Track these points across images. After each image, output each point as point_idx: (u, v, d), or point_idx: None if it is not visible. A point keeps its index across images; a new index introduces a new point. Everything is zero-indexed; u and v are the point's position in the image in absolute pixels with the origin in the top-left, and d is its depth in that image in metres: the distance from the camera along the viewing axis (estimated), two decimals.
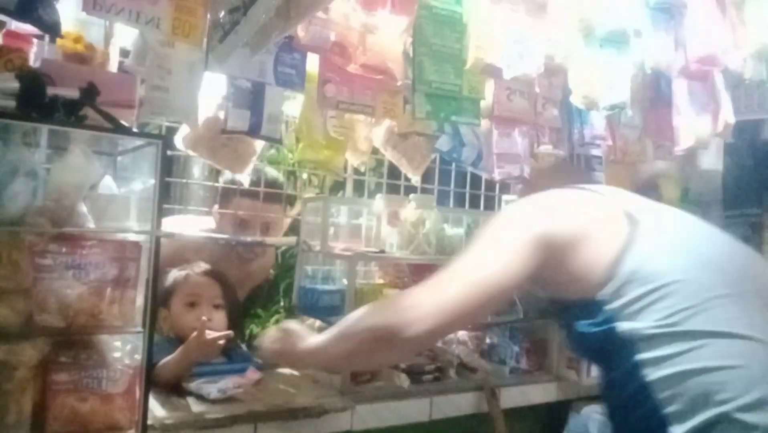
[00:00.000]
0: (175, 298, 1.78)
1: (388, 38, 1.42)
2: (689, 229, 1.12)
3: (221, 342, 1.61)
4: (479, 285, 1.02)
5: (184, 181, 1.90)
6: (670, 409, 0.94)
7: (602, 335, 1.02)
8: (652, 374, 0.96)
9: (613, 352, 1.01)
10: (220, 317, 1.80)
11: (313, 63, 1.63)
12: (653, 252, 1.02)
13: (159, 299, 1.80)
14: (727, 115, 1.95)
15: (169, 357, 1.57)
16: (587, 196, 1.14)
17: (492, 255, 1.05)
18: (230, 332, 1.66)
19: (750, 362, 0.93)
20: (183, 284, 1.80)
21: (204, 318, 1.61)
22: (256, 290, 2.36)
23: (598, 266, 1.02)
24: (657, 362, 0.96)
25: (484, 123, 1.88)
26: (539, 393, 2.01)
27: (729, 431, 0.90)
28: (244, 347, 2.01)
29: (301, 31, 1.34)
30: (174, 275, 1.83)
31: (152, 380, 1.30)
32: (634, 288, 0.99)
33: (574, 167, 1.56)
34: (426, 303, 1.02)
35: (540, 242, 1.04)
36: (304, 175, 3.05)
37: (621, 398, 1.02)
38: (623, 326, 0.99)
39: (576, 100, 1.64)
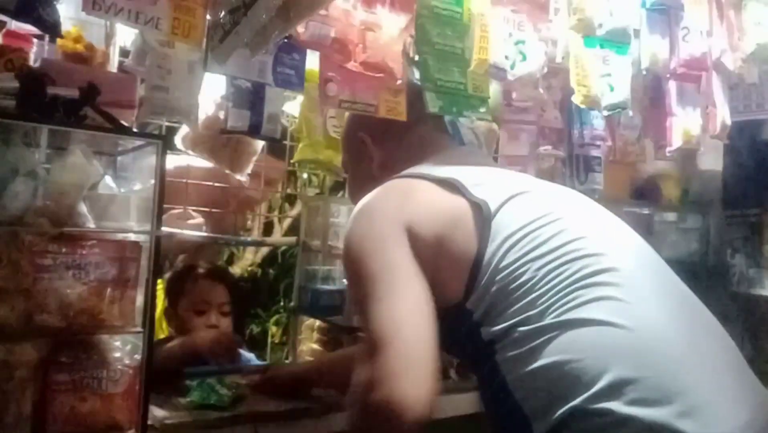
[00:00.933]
0: (183, 302, 1.79)
1: (388, 36, 1.41)
2: (551, 211, 1.04)
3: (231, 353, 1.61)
4: (419, 315, 0.96)
5: (185, 181, 1.89)
6: (529, 408, 0.92)
7: (470, 341, 1.00)
8: (509, 375, 0.95)
9: (478, 354, 1.00)
10: (227, 323, 1.82)
11: (312, 63, 1.63)
12: (507, 252, 0.97)
13: (165, 294, 1.81)
14: (724, 117, 1.96)
15: (174, 343, 1.57)
16: (434, 195, 1.06)
17: (395, 283, 0.97)
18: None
19: (597, 349, 0.89)
20: (192, 288, 1.81)
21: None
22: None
23: (457, 276, 0.99)
24: (511, 362, 0.94)
25: (485, 123, 1.88)
26: None
27: (585, 423, 0.87)
28: (244, 348, 2.02)
29: (300, 28, 1.34)
30: (180, 274, 1.86)
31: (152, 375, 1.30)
32: (494, 293, 0.97)
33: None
34: (399, 378, 0.92)
35: (406, 232, 1.00)
36: (305, 175, 3.06)
37: (487, 397, 1.01)
38: (485, 330, 0.98)
39: (577, 100, 1.64)
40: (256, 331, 2.91)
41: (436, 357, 0.95)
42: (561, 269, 0.95)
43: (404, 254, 0.99)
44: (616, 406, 0.85)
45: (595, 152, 2.04)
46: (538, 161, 2.00)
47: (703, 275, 2.50)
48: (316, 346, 1.91)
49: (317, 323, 1.91)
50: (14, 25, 1.43)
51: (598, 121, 2.03)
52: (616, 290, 0.94)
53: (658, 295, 0.97)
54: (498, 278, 0.96)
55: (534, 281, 0.95)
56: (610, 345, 0.89)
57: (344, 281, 1.85)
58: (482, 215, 1.00)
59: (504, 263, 0.97)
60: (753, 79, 2.00)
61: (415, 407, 0.91)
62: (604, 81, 1.66)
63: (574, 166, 2.02)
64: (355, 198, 1.35)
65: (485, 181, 1.08)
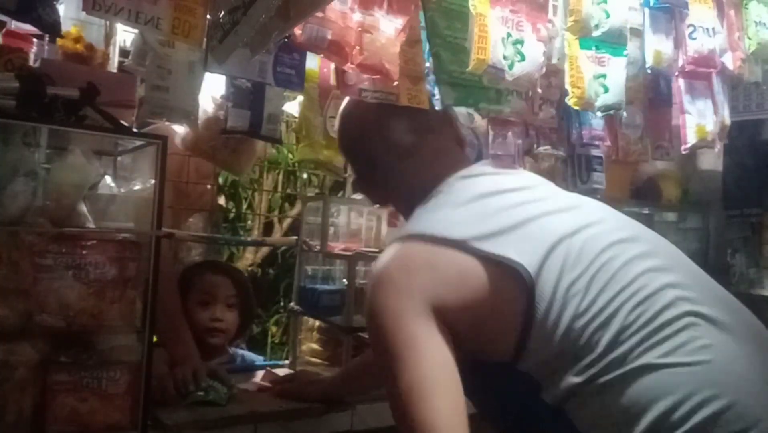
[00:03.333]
0: (190, 295, 1.79)
1: (385, 38, 1.41)
2: (601, 253, 0.97)
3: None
4: (439, 395, 0.90)
5: (185, 181, 1.89)
6: None
7: (528, 403, 0.95)
8: (584, 425, 0.91)
9: (543, 413, 0.94)
10: (233, 316, 1.82)
11: (312, 63, 1.63)
12: (561, 312, 0.92)
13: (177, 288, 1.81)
14: (724, 117, 1.96)
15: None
16: (463, 265, 0.96)
17: (414, 361, 0.91)
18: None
19: (681, 388, 0.88)
20: (198, 282, 1.82)
21: None
22: None
23: (504, 339, 0.94)
24: (587, 414, 0.91)
25: (485, 123, 1.88)
26: None
27: None
28: (243, 348, 2.02)
29: (297, 30, 1.34)
30: (189, 270, 1.86)
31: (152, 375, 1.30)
32: (556, 353, 0.92)
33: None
34: None
35: (431, 307, 0.94)
36: (305, 175, 3.06)
37: None
38: (551, 390, 0.93)
39: (571, 101, 1.64)
40: (256, 331, 2.92)
41: (463, 422, 0.91)
42: (627, 313, 0.92)
43: (425, 328, 0.93)
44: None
45: (596, 152, 2.04)
46: (537, 161, 2.00)
47: None
48: (316, 346, 1.91)
49: (317, 323, 1.91)
50: (14, 25, 1.43)
51: (597, 121, 2.03)
52: (691, 322, 0.93)
53: (726, 319, 0.95)
54: (557, 338, 0.92)
55: (601, 332, 0.91)
56: (692, 383, 0.89)
57: (344, 281, 1.85)
58: (524, 281, 0.93)
59: (560, 324, 0.92)
60: (756, 78, 2.00)
61: None
62: (599, 82, 1.66)
63: (575, 166, 2.02)
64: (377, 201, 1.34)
65: (518, 230, 0.98)
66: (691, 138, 1.89)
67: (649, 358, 0.89)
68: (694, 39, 1.81)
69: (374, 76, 1.39)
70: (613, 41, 1.68)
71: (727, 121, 1.96)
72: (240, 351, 1.98)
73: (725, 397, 0.87)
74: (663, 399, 0.87)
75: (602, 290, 0.93)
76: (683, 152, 1.95)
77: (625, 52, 1.71)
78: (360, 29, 1.40)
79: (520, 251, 0.95)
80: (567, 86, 1.64)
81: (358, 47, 1.39)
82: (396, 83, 1.40)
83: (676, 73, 1.87)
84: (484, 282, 0.94)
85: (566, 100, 1.65)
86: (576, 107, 1.66)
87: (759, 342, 0.97)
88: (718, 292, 1.02)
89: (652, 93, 2.00)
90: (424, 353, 0.92)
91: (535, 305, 0.92)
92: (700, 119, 1.89)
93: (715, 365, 0.90)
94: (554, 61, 1.68)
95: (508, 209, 1.02)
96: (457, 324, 0.95)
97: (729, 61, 1.90)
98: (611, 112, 1.74)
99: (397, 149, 1.20)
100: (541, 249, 0.95)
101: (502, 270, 0.94)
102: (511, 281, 0.94)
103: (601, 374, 0.90)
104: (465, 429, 0.90)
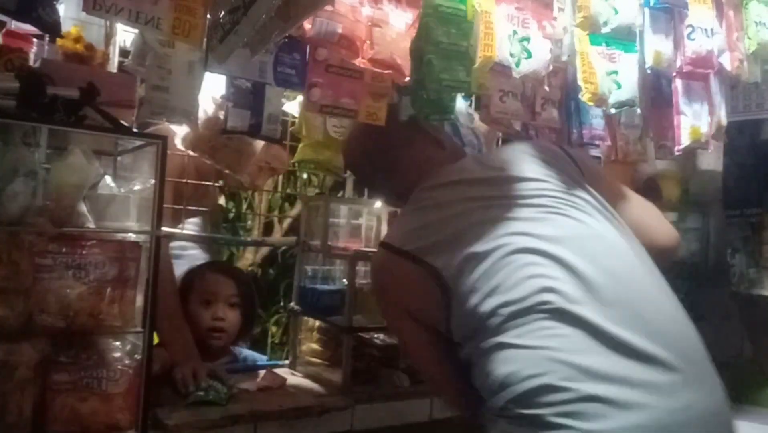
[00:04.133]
0: (191, 296, 1.80)
1: (396, 32, 1.41)
2: (501, 269, 1.18)
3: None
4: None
5: (185, 181, 1.89)
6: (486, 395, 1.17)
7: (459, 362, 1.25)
8: (475, 377, 1.20)
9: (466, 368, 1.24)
10: (235, 315, 1.83)
11: None
12: (464, 309, 1.19)
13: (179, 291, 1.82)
14: (721, 117, 1.96)
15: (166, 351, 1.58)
16: (411, 275, 1.25)
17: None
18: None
19: (525, 363, 1.10)
20: (200, 282, 1.82)
21: None
22: None
23: (440, 323, 1.25)
24: (476, 370, 1.19)
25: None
26: None
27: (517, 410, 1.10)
28: (245, 349, 2.02)
29: (307, 25, 1.34)
30: (191, 270, 1.86)
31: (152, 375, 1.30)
32: (464, 329, 1.21)
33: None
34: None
35: (404, 310, 1.31)
36: (305, 175, 3.06)
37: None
38: (463, 352, 1.23)
39: (585, 97, 1.64)
40: (255, 331, 2.92)
41: (440, 368, 1.34)
42: (509, 306, 1.14)
43: (405, 323, 1.31)
44: (527, 409, 1.07)
45: (594, 152, 2.04)
46: None
47: (703, 275, 2.50)
48: (316, 346, 1.91)
49: (317, 323, 1.91)
50: (14, 25, 1.44)
51: (597, 121, 2.03)
52: (555, 316, 1.12)
53: (598, 321, 1.11)
54: (464, 322, 1.20)
55: (489, 317, 1.16)
56: (525, 361, 1.10)
57: (344, 281, 1.86)
58: (444, 283, 1.21)
59: (465, 313, 1.19)
60: (755, 78, 2.00)
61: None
62: (611, 79, 1.66)
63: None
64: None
65: (454, 240, 1.23)
66: (684, 139, 1.89)
67: (507, 337, 1.13)
68: (693, 40, 1.81)
69: (386, 71, 1.40)
70: (623, 38, 1.67)
71: (724, 121, 1.96)
72: (244, 351, 1.99)
73: (547, 376, 1.06)
74: (504, 369, 1.11)
75: (496, 288, 1.16)
76: (676, 153, 1.96)
77: (635, 48, 1.71)
78: (370, 23, 1.40)
79: (446, 261, 1.21)
80: (579, 82, 1.63)
81: (368, 41, 1.39)
82: (407, 76, 1.42)
83: (674, 74, 1.87)
84: (427, 286, 1.23)
85: (579, 96, 1.65)
86: (590, 103, 1.66)
87: (636, 349, 1.09)
88: (626, 296, 1.15)
89: (655, 92, 1.99)
90: (409, 337, 1.36)
91: (451, 300, 1.21)
92: (695, 120, 1.89)
93: (552, 352, 1.08)
94: (564, 58, 1.68)
95: (452, 219, 1.26)
96: (416, 314, 1.29)
97: (727, 61, 1.89)
98: (625, 108, 1.74)
99: (378, 169, 1.45)
100: (460, 256, 1.20)
101: (434, 275, 1.22)
102: (437, 283, 1.22)
103: (481, 345, 1.16)
104: (443, 370, 1.32)
